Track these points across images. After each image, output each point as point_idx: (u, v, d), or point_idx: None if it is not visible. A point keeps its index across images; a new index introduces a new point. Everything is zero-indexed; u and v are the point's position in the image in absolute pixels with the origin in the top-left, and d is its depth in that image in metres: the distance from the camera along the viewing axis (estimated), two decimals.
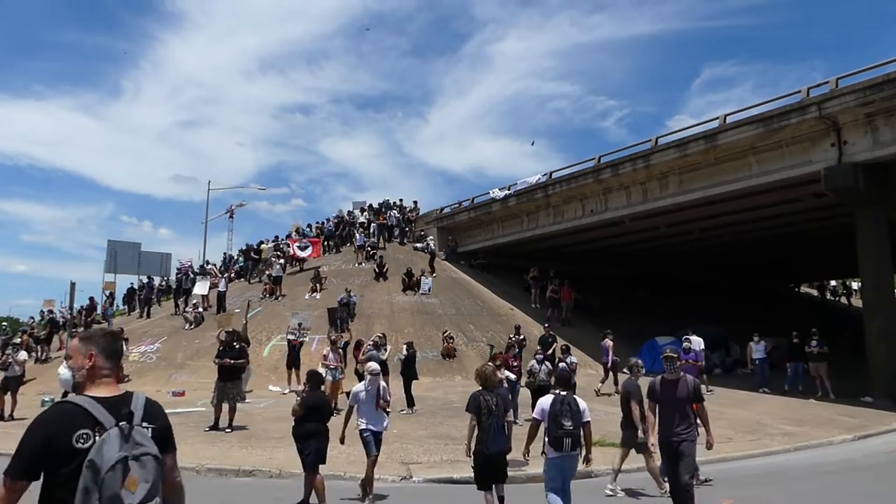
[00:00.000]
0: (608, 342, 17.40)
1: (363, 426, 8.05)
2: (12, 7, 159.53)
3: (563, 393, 6.44)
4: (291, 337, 17.93)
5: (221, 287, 25.74)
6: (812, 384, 17.36)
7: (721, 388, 17.90)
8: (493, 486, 6.52)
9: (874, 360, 16.03)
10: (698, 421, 6.72)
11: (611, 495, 8.35)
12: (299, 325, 18.36)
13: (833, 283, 44.42)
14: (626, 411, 8.38)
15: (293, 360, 17.57)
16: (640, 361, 8.91)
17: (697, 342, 16.97)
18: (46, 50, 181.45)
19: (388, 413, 8.64)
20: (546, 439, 6.30)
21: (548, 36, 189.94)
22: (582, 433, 6.29)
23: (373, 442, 8.02)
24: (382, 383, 8.35)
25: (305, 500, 7.45)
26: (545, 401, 6.49)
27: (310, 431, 7.60)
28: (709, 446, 6.73)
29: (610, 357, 17.35)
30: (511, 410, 8.35)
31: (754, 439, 11.71)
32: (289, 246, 30.12)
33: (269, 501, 7.83)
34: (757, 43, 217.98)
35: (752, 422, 13.27)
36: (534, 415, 6.80)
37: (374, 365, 8.50)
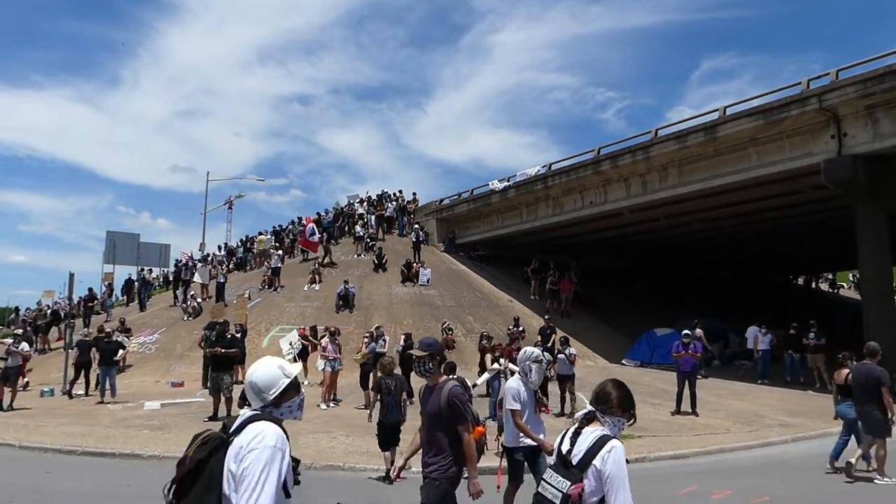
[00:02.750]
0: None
1: (524, 440, 5.99)
2: None
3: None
4: (289, 357, 18.09)
5: (221, 278, 25.79)
6: (812, 375, 17.47)
7: (720, 380, 17.96)
8: (391, 447, 8.28)
9: None
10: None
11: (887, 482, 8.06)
12: (290, 344, 18.30)
13: (829, 275, 44.68)
14: (876, 397, 8.08)
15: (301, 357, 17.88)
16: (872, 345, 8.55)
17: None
18: (45, 40, 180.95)
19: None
20: None
21: (547, 27, 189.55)
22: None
23: (531, 464, 6.04)
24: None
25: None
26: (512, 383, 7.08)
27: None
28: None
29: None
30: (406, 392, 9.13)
31: (752, 430, 11.75)
32: (303, 227, 30.26)
33: None
34: (756, 35, 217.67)
35: (751, 413, 13.31)
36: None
37: (535, 350, 6.38)
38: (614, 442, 2.95)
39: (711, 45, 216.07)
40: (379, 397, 8.49)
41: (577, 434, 3.09)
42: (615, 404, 3.08)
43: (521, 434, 5.90)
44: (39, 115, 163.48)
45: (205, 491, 2.37)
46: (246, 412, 2.60)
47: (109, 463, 9.51)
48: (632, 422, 3.14)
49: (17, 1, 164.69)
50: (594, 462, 2.91)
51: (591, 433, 3.04)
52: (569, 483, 2.94)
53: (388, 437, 8.42)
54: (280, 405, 2.64)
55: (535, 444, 5.88)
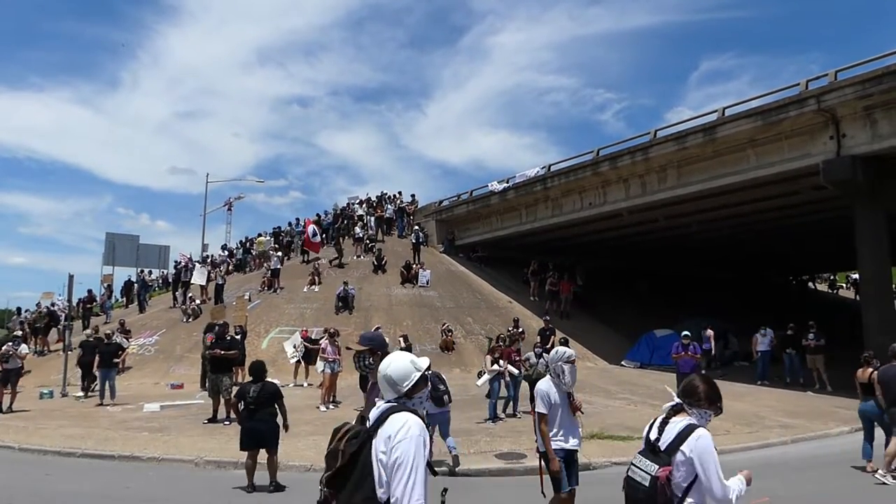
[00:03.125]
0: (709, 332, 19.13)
1: (557, 443, 5.71)
2: None
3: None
4: (294, 361, 18.15)
5: (220, 280, 25.83)
6: (812, 376, 17.49)
7: (719, 381, 17.90)
8: None
9: (872, 352, 16.06)
10: None
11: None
12: (294, 346, 18.34)
13: (831, 276, 44.73)
14: None
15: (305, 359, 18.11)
16: None
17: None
18: (44, 41, 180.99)
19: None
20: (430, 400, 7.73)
21: (546, 28, 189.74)
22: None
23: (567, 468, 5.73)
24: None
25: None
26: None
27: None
28: None
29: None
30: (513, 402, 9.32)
31: (752, 431, 11.74)
32: (308, 230, 30.28)
33: (266, 494, 7.84)
34: (755, 36, 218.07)
35: (750, 414, 13.30)
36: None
37: (567, 350, 5.98)
38: (701, 430, 3.24)
39: (710, 46, 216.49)
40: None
41: (664, 423, 3.39)
42: (702, 397, 3.37)
43: (559, 437, 5.70)
44: (39, 117, 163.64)
45: (360, 479, 2.61)
46: (381, 403, 2.84)
47: (109, 465, 9.50)
48: (719, 413, 3.44)
49: (16, 2, 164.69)
50: (682, 448, 3.19)
51: (679, 423, 3.32)
52: (657, 466, 3.22)
53: None
54: (412, 396, 2.87)
55: (571, 448, 5.72)
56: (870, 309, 16.47)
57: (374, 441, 2.65)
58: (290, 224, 35.73)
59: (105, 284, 31.68)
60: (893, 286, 20.44)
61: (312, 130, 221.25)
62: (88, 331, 22.01)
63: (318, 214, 34.53)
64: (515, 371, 12.91)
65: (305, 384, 17.67)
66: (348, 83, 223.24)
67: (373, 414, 2.79)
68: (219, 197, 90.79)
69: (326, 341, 15.21)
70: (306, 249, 29.77)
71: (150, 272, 35.56)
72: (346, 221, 33.52)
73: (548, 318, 21.15)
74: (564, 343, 14.11)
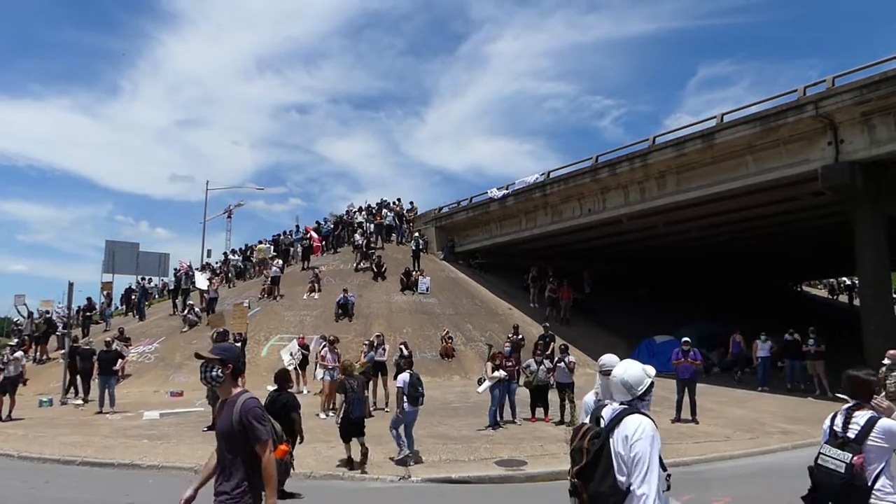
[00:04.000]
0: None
1: None
2: (10, 6, 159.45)
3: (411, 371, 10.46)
4: (291, 368, 18.09)
5: (212, 293, 25.60)
6: (812, 382, 17.46)
7: (719, 387, 17.93)
8: (354, 438, 9.43)
9: (871, 357, 16.04)
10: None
11: None
12: (290, 354, 18.30)
13: (832, 280, 44.78)
14: None
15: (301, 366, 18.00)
16: None
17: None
18: (44, 49, 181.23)
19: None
20: (406, 398, 9.94)
21: (544, 36, 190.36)
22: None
23: None
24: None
25: None
26: (403, 376, 10.34)
27: None
28: None
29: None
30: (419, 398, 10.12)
31: (752, 437, 11.73)
32: (307, 233, 30.34)
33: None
34: (752, 41, 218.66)
35: (751, 420, 13.29)
36: (397, 384, 10.34)
37: (605, 359, 5.14)
38: (885, 420, 3.80)
39: (708, 52, 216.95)
40: (344, 397, 9.52)
41: (847, 417, 3.93)
42: (869, 393, 4.02)
43: None
44: (39, 125, 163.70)
45: (604, 473, 3.09)
46: (614, 405, 3.32)
47: (108, 473, 9.49)
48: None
49: (16, 11, 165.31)
50: (869, 439, 3.74)
51: (863, 416, 3.85)
52: (851, 455, 3.73)
53: (352, 430, 9.47)
54: (643, 399, 3.31)
55: None
56: (870, 313, 16.46)
57: (611, 439, 3.14)
58: (285, 232, 35.55)
59: (105, 292, 31.69)
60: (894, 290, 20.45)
61: (312, 137, 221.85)
62: (88, 339, 22.03)
63: (317, 222, 34.55)
64: (503, 374, 12.89)
65: (305, 391, 17.64)
66: (347, 90, 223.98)
67: (607, 413, 3.27)
68: (218, 204, 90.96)
69: (326, 349, 15.19)
70: (306, 257, 29.81)
71: (150, 280, 35.58)
72: (345, 229, 33.54)
73: (547, 324, 21.14)
74: (565, 350, 14.16)
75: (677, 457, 10.33)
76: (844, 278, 44.15)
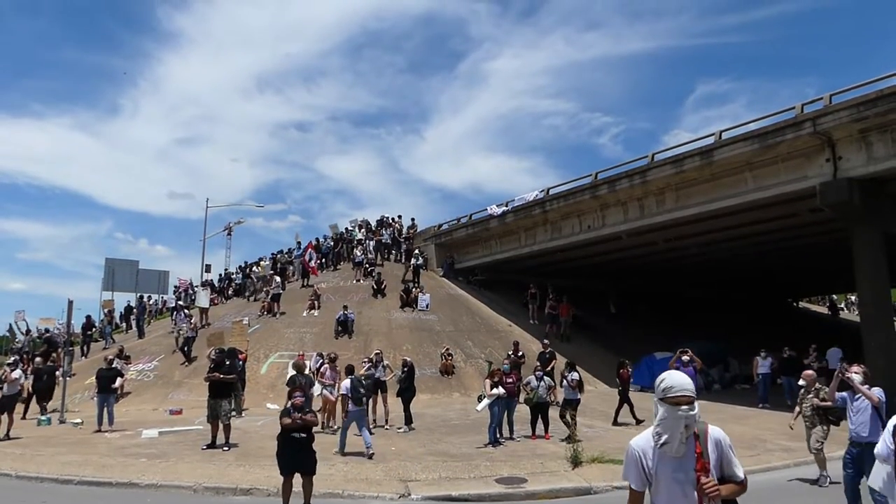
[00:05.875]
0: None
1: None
2: (11, 26, 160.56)
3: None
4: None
5: (190, 333, 22.86)
6: None
7: (720, 404, 17.85)
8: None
9: (872, 374, 15.98)
10: None
11: None
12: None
13: (833, 296, 44.77)
14: None
15: None
16: None
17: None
18: (45, 69, 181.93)
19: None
20: (351, 400, 11.53)
21: (543, 54, 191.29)
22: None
23: None
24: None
25: None
26: (345, 382, 12.05)
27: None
28: None
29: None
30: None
31: (753, 454, 11.67)
32: (306, 255, 30.24)
33: None
34: (750, 59, 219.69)
35: (751, 437, 13.22)
36: (341, 391, 12.36)
37: (666, 378, 3.46)
38: None
39: (706, 70, 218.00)
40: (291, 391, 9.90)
41: None
42: None
43: None
44: (39, 143, 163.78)
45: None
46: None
47: (107, 492, 9.42)
48: None
49: (17, 30, 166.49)
50: None
51: None
52: None
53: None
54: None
55: None
56: (871, 330, 16.42)
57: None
58: (282, 251, 35.37)
59: (106, 310, 31.67)
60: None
61: (311, 155, 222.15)
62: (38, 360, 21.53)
63: (317, 239, 34.56)
64: (501, 391, 12.85)
65: None
66: (347, 108, 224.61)
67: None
68: (218, 221, 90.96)
69: (326, 366, 15.17)
70: (306, 274, 29.81)
71: (150, 297, 35.54)
72: (345, 246, 33.56)
73: (547, 341, 21.08)
74: (571, 366, 14.11)
75: None
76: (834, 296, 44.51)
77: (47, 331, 27.56)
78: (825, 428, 9.20)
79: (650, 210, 21.39)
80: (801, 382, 9.86)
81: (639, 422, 14.53)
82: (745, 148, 17.59)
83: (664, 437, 3.18)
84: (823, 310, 44.75)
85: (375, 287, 27.17)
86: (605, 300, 30.22)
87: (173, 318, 27.58)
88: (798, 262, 28.85)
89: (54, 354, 21.47)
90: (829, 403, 9.08)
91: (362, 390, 11.75)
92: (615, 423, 15.04)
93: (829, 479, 8.92)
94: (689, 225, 21.64)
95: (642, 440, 3.32)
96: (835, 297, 45.17)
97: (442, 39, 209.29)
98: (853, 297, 43.18)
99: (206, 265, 41.79)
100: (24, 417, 16.95)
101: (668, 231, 22.58)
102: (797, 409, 9.79)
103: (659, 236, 23.41)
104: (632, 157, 22.84)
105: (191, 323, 23.49)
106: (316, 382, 14.84)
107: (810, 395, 9.49)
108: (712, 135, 18.91)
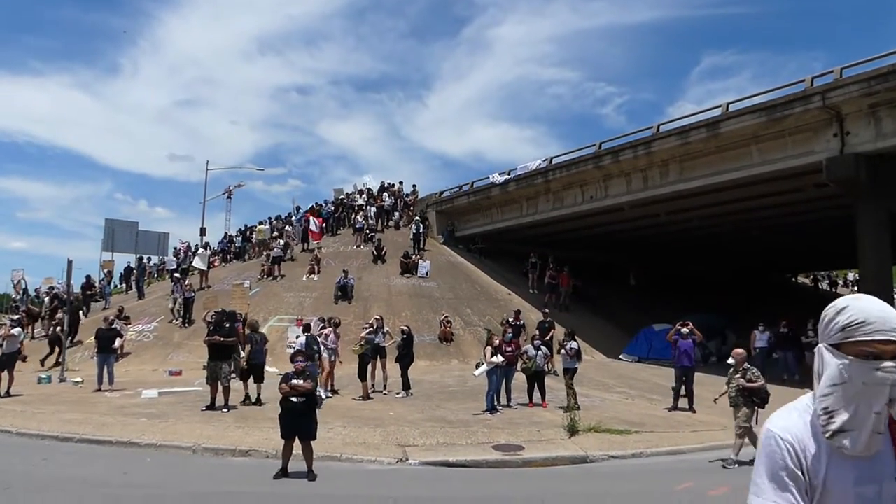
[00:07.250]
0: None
1: None
2: None
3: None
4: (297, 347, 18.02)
5: (187, 293, 22.81)
6: (809, 373, 17.47)
7: (717, 377, 17.93)
8: (253, 380, 13.31)
9: None
10: None
11: None
12: (297, 337, 18.21)
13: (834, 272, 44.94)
14: None
15: None
16: None
17: None
18: (44, 26, 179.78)
19: None
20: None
21: (548, 21, 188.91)
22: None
23: None
24: None
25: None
26: (301, 339, 13.56)
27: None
28: None
29: None
30: None
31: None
32: (307, 221, 30.06)
33: (267, 482, 7.83)
34: (757, 32, 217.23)
35: None
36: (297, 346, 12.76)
37: (886, 312, 1.65)
38: None
39: (712, 42, 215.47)
40: (250, 347, 13.01)
41: None
42: None
43: None
44: (38, 102, 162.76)
45: None
46: None
47: (106, 450, 9.49)
48: None
49: None
50: None
51: None
52: None
53: (252, 372, 13.15)
54: None
55: None
56: None
57: None
58: (279, 217, 35.23)
59: (105, 270, 31.67)
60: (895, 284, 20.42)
61: (312, 119, 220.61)
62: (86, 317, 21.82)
63: (317, 203, 34.42)
64: (500, 359, 12.86)
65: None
66: (349, 73, 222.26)
67: None
68: (218, 184, 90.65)
69: (330, 329, 15.23)
70: (306, 238, 29.73)
71: (150, 259, 35.54)
72: (345, 211, 33.46)
73: (547, 310, 21.14)
74: (571, 335, 14.12)
75: (674, 445, 10.37)
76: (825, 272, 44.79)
77: (52, 289, 27.50)
78: (748, 411, 9.01)
79: (654, 182, 21.24)
80: (729, 361, 9.56)
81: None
82: (753, 121, 17.39)
83: (841, 420, 1.64)
84: (813, 285, 44.97)
85: (375, 253, 27.15)
86: (605, 272, 30.20)
87: (172, 280, 27.61)
88: (802, 238, 28.79)
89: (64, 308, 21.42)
90: (755, 385, 8.95)
91: (315, 347, 13.30)
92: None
93: (736, 464, 8.70)
94: (693, 198, 21.52)
95: (793, 423, 1.75)
96: (834, 272, 45.27)
97: (446, 4, 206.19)
98: (852, 276, 43.39)
99: (201, 228, 41.81)
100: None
101: (671, 203, 22.47)
102: (725, 388, 9.54)
103: (662, 208, 23.30)
104: (635, 129, 22.64)
105: (186, 286, 23.22)
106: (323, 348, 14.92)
107: (737, 376, 9.15)
108: (719, 107, 18.67)
